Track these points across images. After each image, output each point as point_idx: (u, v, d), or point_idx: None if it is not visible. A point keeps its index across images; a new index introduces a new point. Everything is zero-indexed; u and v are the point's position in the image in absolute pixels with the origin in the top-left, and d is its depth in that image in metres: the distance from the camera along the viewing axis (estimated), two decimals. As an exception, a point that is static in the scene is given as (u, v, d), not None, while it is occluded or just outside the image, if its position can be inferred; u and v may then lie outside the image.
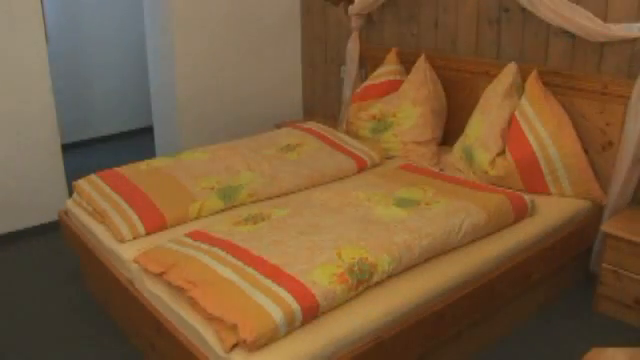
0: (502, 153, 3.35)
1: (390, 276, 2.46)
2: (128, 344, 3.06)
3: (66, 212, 3.50)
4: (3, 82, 3.99)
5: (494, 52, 3.75)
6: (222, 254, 2.47)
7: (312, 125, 4.15)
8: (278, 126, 4.82)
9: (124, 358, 2.98)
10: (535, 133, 3.24)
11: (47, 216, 4.24)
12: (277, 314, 2.10)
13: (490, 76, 3.65)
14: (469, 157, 3.47)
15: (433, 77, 3.88)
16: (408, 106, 3.80)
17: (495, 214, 2.85)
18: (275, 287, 2.23)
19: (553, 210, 3.14)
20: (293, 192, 3.33)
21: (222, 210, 3.12)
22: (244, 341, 2.04)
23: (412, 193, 3.02)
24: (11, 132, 4.08)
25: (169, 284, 2.43)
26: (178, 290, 2.38)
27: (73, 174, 4.11)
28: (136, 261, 2.66)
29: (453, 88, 3.95)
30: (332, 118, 4.94)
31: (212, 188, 3.19)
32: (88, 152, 6.00)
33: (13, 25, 3.93)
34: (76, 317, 3.35)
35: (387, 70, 4.10)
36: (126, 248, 2.84)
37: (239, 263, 2.40)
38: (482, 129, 3.44)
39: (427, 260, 2.61)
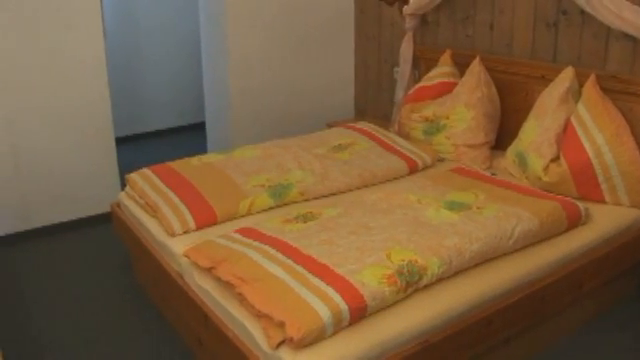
0: (556, 159, 3.29)
1: (439, 279, 2.44)
2: (176, 337, 3.10)
3: (118, 204, 3.57)
4: (62, 76, 4.10)
5: (550, 55, 3.68)
6: (272, 252, 2.49)
7: (364, 125, 4.14)
8: (330, 125, 4.82)
9: (171, 350, 3.02)
10: (591, 139, 3.17)
11: (100, 207, 4.33)
12: (325, 313, 2.11)
13: (546, 80, 3.59)
14: (522, 162, 3.42)
15: (487, 80, 3.83)
16: (461, 108, 3.76)
17: (548, 221, 2.80)
18: (324, 286, 2.23)
19: (608, 219, 3.07)
20: (343, 192, 3.32)
21: (272, 208, 3.14)
22: (291, 339, 2.05)
23: (463, 197, 2.99)
24: (68, 125, 4.20)
25: (218, 279, 2.46)
26: (227, 285, 2.40)
27: (125, 167, 4.20)
28: (186, 255, 2.69)
29: (507, 91, 3.89)
30: (384, 119, 4.92)
31: (263, 185, 3.21)
32: (140, 146, 6.11)
33: (72, 20, 4.04)
34: (125, 308, 3.41)
35: (441, 72, 4.07)
36: (176, 242, 2.88)
37: (288, 261, 2.41)
38: (536, 134, 3.38)
39: (477, 265, 2.58)
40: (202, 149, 5.19)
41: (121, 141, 5.38)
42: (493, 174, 3.49)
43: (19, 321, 3.30)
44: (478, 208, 2.86)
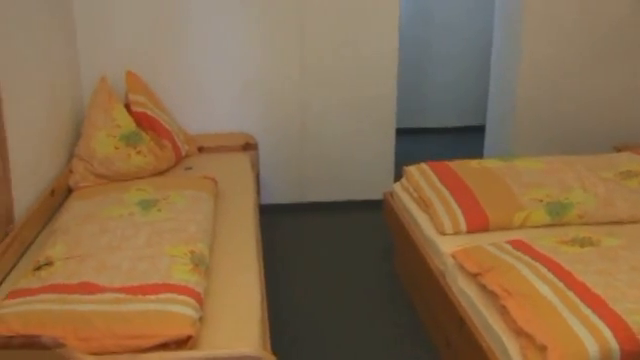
0: None
1: None
2: (422, 331, 3.16)
3: (391, 194, 3.69)
4: (357, 67, 4.39)
5: None
6: (543, 270, 2.40)
7: (660, 153, 3.80)
8: (617, 149, 4.49)
9: (414, 342, 3.09)
10: None
11: (371, 194, 4.52)
12: (592, 348, 1.98)
13: None
14: None
15: None
16: None
17: None
18: (594, 318, 2.10)
19: None
20: (626, 222, 3.06)
21: (547, 225, 3.01)
22: (550, 366, 1.97)
23: None
24: (355, 112, 4.48)
25: (482, 287, 2.43)
26: (490, 295, 2.37)
27: (400, 159, 4.35)
28: (454, 256, 2.70)
29: None
30: (682, 149, 4.46)
31: (541, 200, 3.09)
32: (416, 140, 6.22)
33: (372, 14, 4.31)
34: (377, 292, 3.57)
35: None
36: (445, 241, 2.90)
37: (560, 284, 2.30)
38: None
39: None
40: (477, 153, 5.14)
41: (399, 132, 5.55)
42: None
43: (283, 279, 3.64)
44: None
